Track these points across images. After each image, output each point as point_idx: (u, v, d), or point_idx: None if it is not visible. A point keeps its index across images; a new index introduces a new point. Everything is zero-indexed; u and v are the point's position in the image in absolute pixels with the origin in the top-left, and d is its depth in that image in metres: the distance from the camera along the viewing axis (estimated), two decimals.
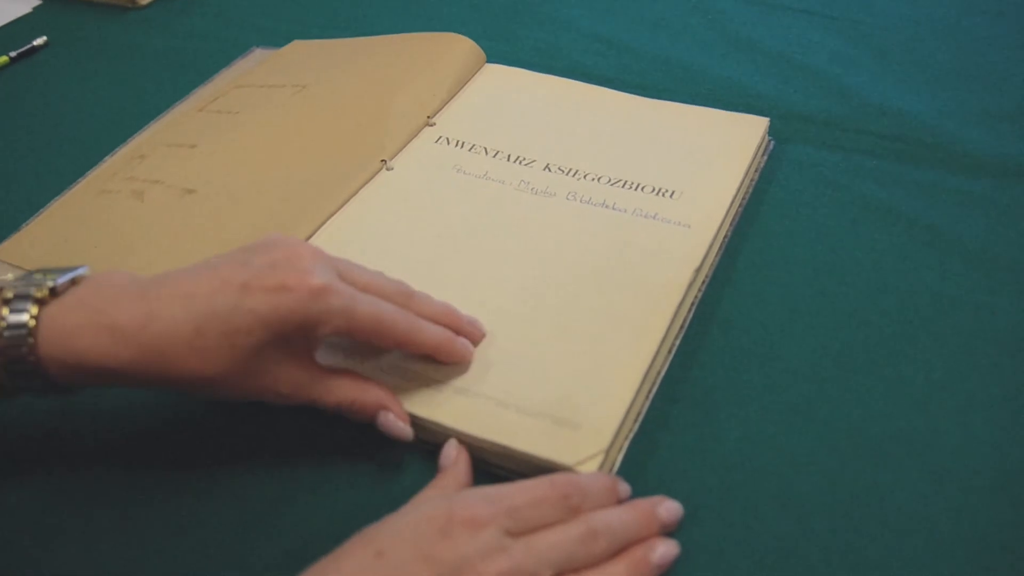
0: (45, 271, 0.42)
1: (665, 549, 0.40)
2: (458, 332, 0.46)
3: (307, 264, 0.42)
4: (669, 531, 0.41)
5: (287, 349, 0.42)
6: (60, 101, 0.74)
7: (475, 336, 0.47)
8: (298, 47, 0.75)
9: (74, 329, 0.40)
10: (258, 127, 0.64)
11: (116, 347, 0.40)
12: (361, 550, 0.37)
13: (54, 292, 0.41)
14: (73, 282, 0.42)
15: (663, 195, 0.56)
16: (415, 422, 0.45)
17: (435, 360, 0.46)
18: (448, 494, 0.40)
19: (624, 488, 0.42)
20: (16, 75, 0.78)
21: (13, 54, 0.80)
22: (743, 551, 0.41)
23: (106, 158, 0.65)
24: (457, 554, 0.36)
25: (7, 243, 0.58)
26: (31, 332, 0.40)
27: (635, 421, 0.46)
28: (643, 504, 0.41)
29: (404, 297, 0.45)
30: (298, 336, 0.42)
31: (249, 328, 0.40)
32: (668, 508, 0.41)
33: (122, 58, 0.79)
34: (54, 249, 0.57)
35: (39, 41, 0.81)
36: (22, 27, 0.85)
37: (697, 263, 0.51)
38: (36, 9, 0.88)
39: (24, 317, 0.40)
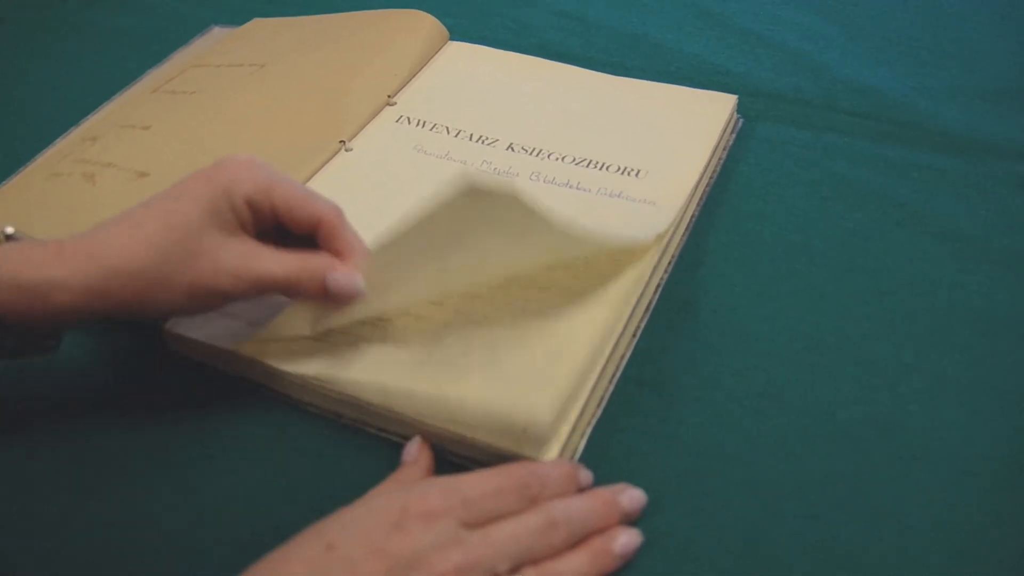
0: None
1: (627, 539, 0.39)
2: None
3: (235, 156, 0.43)
4: (632, 520, 0.40)
5: (225, 228, 0.42)
6: (10, 80, 0.72)
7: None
8: (257, 25, 0.73)
9: (18, 256, 0.40)
10: (214, 108, 0.62)
11: (52, 256, 0.40)
12: (312, 543, 0.36)
13: None
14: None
15: (628, 174, 0.54)
16: (373, 410, 0.43)
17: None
18: (403, 486, 0.39)
19: (585, 475, 0.41)
20: None
21: None
22: (709, 539, 0.40)
23: (57, 140, 0.63)
24: (410, 547, 0.35)
25: None
26: None
27: (598, 406, 0.44)
28: (604, 493, 0.40)
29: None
30: (230, 207, 0.42)
31: (184, 208, 0.41)
32: (631, 496, 0.40)
33: (75, 36, 0.77)
34: None
35: None
36: None
37: (662, 243, 0.49)
38: None
39: None
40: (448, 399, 0.42)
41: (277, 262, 0.42)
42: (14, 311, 0.39)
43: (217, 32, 0.74)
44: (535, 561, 0.37)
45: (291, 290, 0.43)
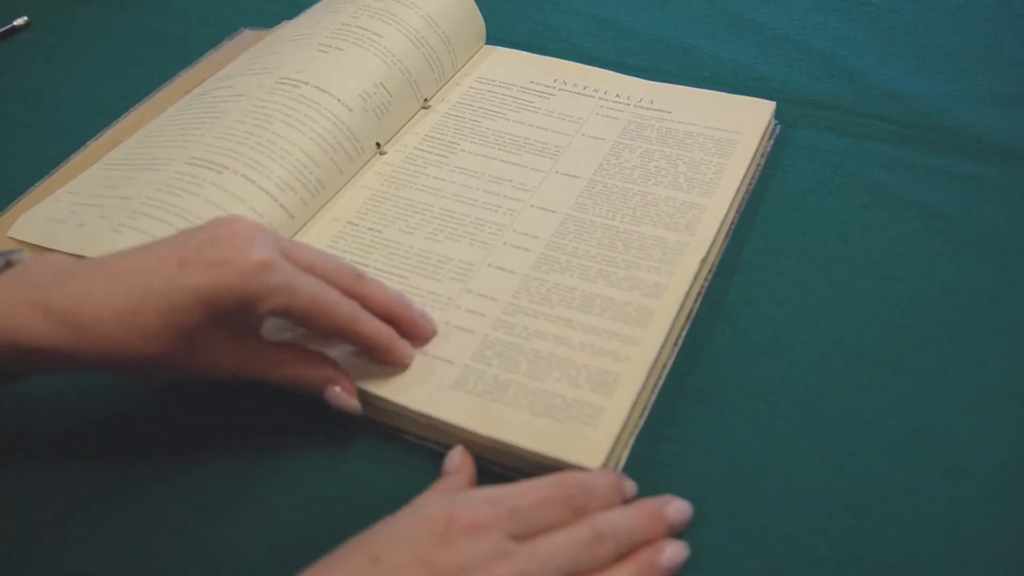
0: None
1: (673, 551, 0.38)
2: (408, 325, 0.44)
3: (248, 240, 0.40)
4: (677, 532, 0.40)
5: (228, 327, 0.41)
6: (42, 83, 0.72)
7: (425, 331, 0.45)
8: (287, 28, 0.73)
9: (6, 309, 0.38)
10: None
11: (51, 327, 0.38)
12: (356, 555, 0.35)
13: None
14: (8, 264, 0.41)
15: (669, 181, 0.54)
16: (413, 418, 0.43)
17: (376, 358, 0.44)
18: (448, 497, 0.39)
19: (630, 486, 0.41)
20: None
21: None
22: (751, 551, 0.39)
23: (89, 142, 0.63)
24: (457, 560, 0.34)
25: None
26: None
27: (641, 416, 0.44)
28: (650, 504, 0.40)
29: (352, 279, 0.43)
30: (238, 314, 0.40)
31: (186, 305, 0.38)
32: (677, 508, 0.40)
33: (106, 39, 0.77)
34: (35, 235, 0.55)
35: (20, 21, 0.79)
36: (2, 7, 0.82)
37: (703, 252, 0.49)
38: None
39: None
40: (493, 414, 0.42)
41: (276, 368, 0.42)
42: None
43: (247, 35, 0.73)
44: (582, 574, 0.36)
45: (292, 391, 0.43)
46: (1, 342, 0.38)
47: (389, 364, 0.44)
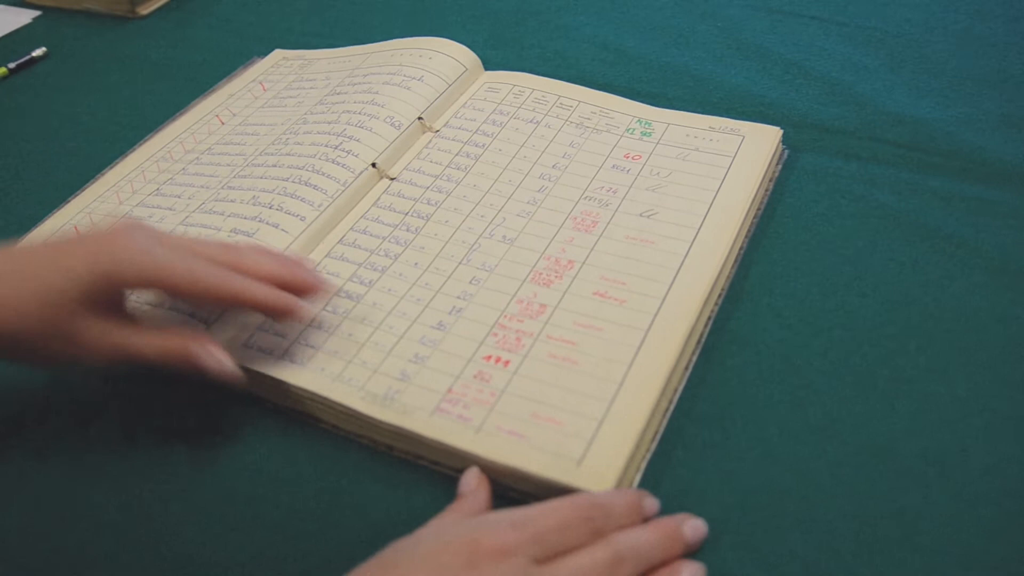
0: None
1: (691, 572, 0.38)
2: (299, 283, 0.46)
3: (124, 230, 0.43)
4: (694, 551, 0.40)
5: (98, 310, 0.43)
6: (59, 113, 0.73)
7: (312, 286, 0.47)
8: (282, 58, 0.74)
9: None
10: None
11: None
12: None
13: None
14: None
15: (669, 207, 0.54)
16: (427, 443, 0.43)
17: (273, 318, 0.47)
18: (471, 520, 0.39)
19: (650, 503, 0.41)
20: (15, 87, 0.77)
21: (12, 65, 0.79)
22: (763, 575, 0.39)
23: (105, 170, 0.64)
24: None
25: None
26: None
27: (652, 440, 0.44)
28: (668, 523, 0.40)
29: (232, 254, 0.45)
30: (107, 291, 0.43)
31: (60, 282, 0.42)
32: (693, 526, 0.40)
33: (122, 69, 0.78)
34: None
35: (38, 52, 0.80)
36: (21, 38, 0.84)
37: (712, 277, 0.49)
38: (36, 20, 0.87)
39: None
40: (503, 440, 0.42)
41: (144, 342, 0.44)
42: None
43: (258, 63, 0.74)
44: None
45: (165, 366, 0.44)
46: None
47: (285, 320, 0.47)
